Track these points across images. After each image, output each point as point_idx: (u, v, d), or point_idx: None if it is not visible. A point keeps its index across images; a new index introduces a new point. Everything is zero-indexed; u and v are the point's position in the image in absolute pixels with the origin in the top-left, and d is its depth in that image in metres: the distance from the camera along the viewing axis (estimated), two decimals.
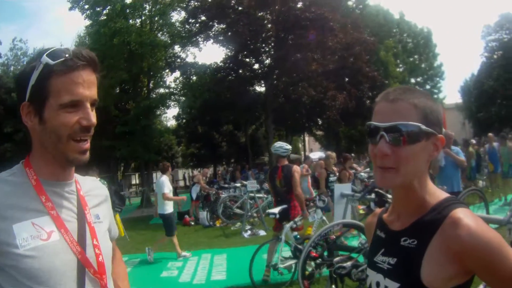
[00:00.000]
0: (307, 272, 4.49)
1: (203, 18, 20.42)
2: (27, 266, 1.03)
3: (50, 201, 1.12)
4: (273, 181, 6.05)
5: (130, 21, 18.88)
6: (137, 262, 7.77)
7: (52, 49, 1.10)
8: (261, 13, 20.27)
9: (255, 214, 10.90)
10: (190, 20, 20.65)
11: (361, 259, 4.36)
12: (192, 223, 12.05)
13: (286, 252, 5.72)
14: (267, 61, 21.20)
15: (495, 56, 42.57)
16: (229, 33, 19.52)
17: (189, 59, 22.15)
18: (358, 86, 22.76)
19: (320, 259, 4.53)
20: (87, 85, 1.11)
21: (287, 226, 5.42)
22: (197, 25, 20.76)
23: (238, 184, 13.25)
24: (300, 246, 5.08)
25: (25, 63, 1.48)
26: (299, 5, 19.69)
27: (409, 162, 1.02)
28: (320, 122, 26.38)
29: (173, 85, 22.18)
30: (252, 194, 10.52)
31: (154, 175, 34.90)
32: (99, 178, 3.90)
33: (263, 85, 22.15)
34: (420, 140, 1.02)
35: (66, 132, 1.09)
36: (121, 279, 1.44)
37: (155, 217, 10.29)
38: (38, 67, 1.08)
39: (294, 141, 42.25)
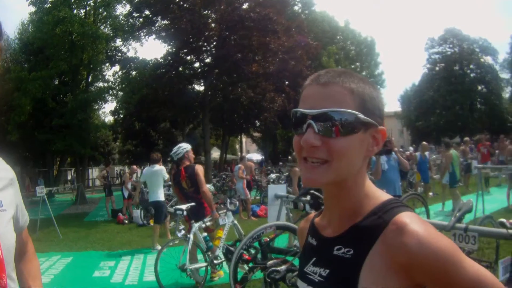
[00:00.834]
0: (239, 276, 4.31)
1: (147, 12, 20.05)
2: None
3: None
4: (179, 184, 5.79)
5: (75, 11, 18.81)
6: (69, 260, 7.54)
7: None
8: (206, 11, 20.04)
9: None
10: (134, 14, 20.24)
11: (296, 262, 4.14)
12: (126, 222, 11.86)
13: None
14: (208, 60, 20.98)
15: (437, 68, 45.62)
16: (172, 30, 19.16)
17: (130, 54, 22.11)
18: (297, 89, 23.12)
19: (253, 262, 4.37)
20: None
21: (196, 225, 5.28)
22: (140, 19, 20.38)
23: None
24: (232, 248, 4.91)
25: None
26: (245, 6, 19.65)
27: (342, 156, 0.85)
28: (257, 123, 26.63)
29: (112, 79, 21.91)
30: None
31: (89, 171, 33.55)
32: None
33: (202, 84, 21.93)
34: (356, 131, 0.85)
35: None
36: (32, 278, 1.23)
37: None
38: None
39: (231, 141, 42.38)
